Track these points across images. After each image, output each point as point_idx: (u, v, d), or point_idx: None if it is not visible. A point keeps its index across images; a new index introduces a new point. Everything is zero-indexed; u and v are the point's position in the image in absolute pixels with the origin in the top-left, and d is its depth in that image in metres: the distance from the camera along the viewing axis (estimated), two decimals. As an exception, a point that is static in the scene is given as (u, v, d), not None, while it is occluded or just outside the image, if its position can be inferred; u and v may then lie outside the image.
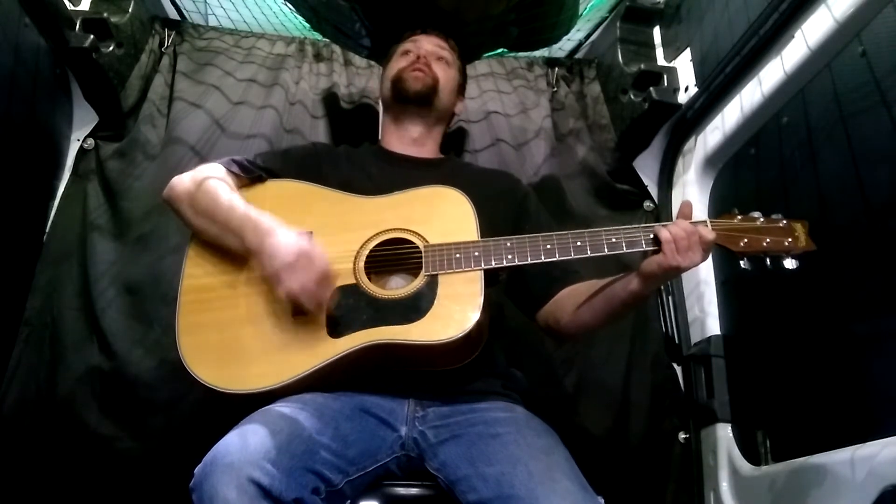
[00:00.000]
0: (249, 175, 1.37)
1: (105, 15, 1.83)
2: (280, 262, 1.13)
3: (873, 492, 1.04)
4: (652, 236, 1.16)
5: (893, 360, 1.16)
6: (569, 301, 1.34)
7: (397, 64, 1.58)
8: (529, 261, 1.19)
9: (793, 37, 1.48)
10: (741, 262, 1.18)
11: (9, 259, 1.68)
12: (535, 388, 1.41)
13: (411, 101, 1.53)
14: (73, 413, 1.64)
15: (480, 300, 1.16)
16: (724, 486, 1.60)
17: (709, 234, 1.15)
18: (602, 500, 1.05)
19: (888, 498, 1.01)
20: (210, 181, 1.30)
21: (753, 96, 1.63)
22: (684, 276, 1.90)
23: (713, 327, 1.75)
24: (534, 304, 1.41)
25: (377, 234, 1.27)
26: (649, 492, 1.75)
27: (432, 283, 1.19)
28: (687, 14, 1.98)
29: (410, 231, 1.26)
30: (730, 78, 1.70)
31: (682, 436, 1.79)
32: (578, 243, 1.18)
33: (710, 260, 1.79)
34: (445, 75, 1.57)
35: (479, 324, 1.14)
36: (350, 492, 1.08)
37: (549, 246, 1.19)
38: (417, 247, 1.24)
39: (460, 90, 1.66)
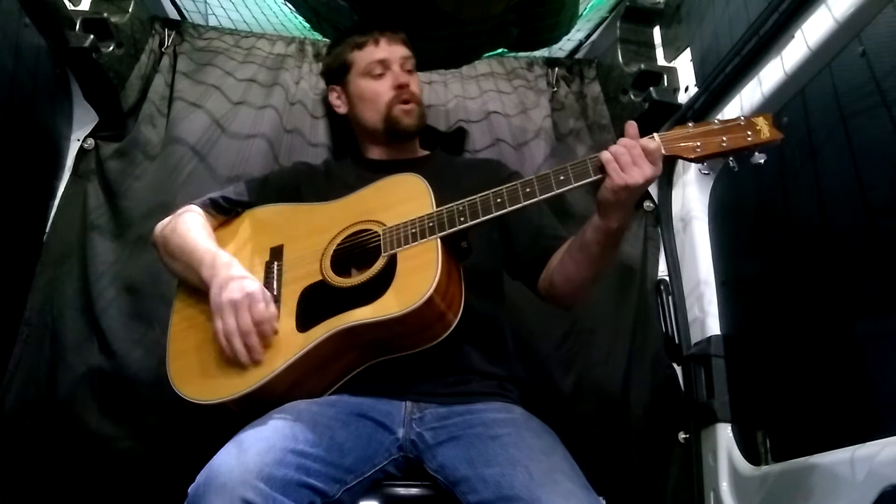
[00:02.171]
0: (225, 214, 1.44)
1: (105, 15, 1.83)
2: (225, 297, 1.16)
3: (873, 492, 1.03)
4: (600, 164, 1.14)
5: (893, 360, 1.16)
6: (556, 261, 1.34)
7: (376, 92, 1.53)
8: (482, 217, 1.17)
9: (793, 37, 1.48)
10: (700, 168, 1.14)
11: (9, 259, 1.68)
12: (534, 388, 1.41)
13: (410, 137, 1.55)
14: (73, 413, 1.64)
15: (438, 266, 1.14)
16: (724, 486, 1.60)
17: (651, 143, 1.12)
18: (604, 501, 1.05)
19: (888, 498, 1.01)
20: (182, 223, 1.37)
21: (753, 96, 1.62)
22: (684, 275, 1.90)
23: (713, 327, 1.75)
24: (531, 275, 1.42)
25: (340, 231, 1.30)
26: (649, 491, 1.75)
27: (392, 262, 1.20)
28: (687, 14, 1.98)
29: (370, 221, 1.29)
30: (730, 78, 1.70)
31: (682, 436, 1.78)
32: (528, 190, 1.16)
33: (709, 260, 1.81)
34: (419, 87, 1.58)
35: (439, 289, 1.12)
36: (349, 499, 1.08)
37: (499, 200, 1.17)
38: (377, 233, 1.25)
39: None
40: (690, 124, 1.15)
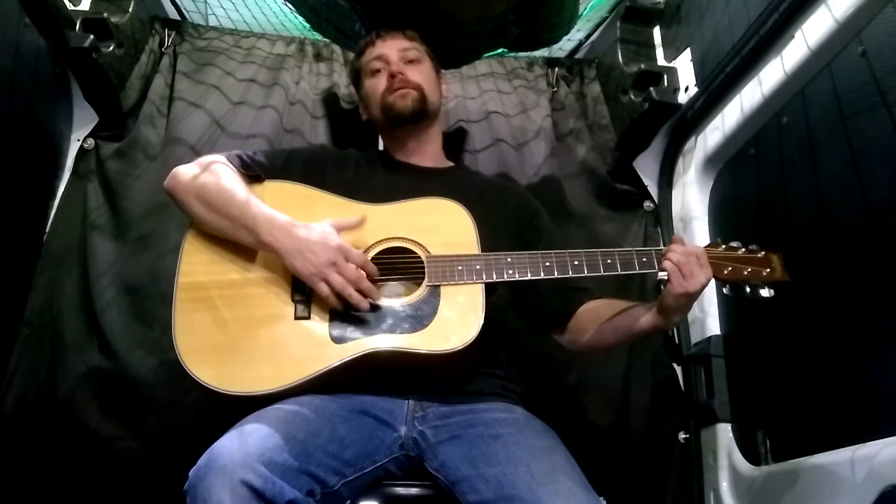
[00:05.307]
0: (248, 172, 1.36)
1: (105, 15, 1.82)
2: (322, 260, 1.15)
3: (873, 492, 1.04)
4: (645, 259, 1.23)
5: (893, 360, 1.16)
6: (589, 321, 1.36)
7: (374, 87, 1.53)
8: (529, 277, 1.22)
9: (793, 37, 1.48)
10: (724, 290, 1.25)
11: (9, 259, 1.67)
12: (535, 388, 1.41)
13: (408, 121, 1.51)
14: (73, 413, 1.64)
15: (482, 313, 1.18)
16: (724, 486, 1.61)
17: (700, 249, 1.22)
18: (604, 501, 1.05)
19: (888, 498, 1.01)
20: (219, 173, 1.30)
21: (753, 96, 1.63)
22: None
23: (713, 327, 1.75)
24: (550, 322, 1.43)
25: (379, 241, 1.28)
26: (649, 491, 1.75)
27: (434, 294, 1.21)
28: (687, 14, 1.98)
29: (412, 241, 1.27)
30: (730, 78, 1.70)
31: (682, 436, 1.79)
32: (576, 262, 1.23)
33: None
34: (423, 75, 1.54)
35: (479, 334, 1.16)
36: (347, 493, 1.08)
37: (547, 263, 1.23)
38: (419, 257, 1.24)
39: (438, 74, 1.62)
40: (722, 246, 1.25)
